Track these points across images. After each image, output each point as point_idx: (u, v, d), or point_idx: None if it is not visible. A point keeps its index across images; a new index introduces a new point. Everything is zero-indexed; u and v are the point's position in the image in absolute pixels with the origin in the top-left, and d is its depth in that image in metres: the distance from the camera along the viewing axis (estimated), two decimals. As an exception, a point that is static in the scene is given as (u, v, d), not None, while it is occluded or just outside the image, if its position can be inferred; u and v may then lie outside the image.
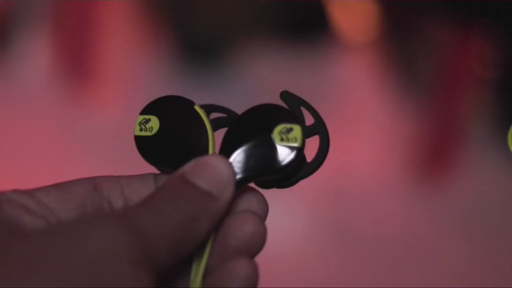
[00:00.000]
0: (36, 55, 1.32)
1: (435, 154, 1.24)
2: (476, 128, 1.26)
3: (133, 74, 1.34)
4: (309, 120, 0.38)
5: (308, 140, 0.37)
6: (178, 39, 1.36)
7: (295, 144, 0.35)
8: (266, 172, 0.35)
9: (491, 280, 1.08)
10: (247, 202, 0.36)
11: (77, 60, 1.30)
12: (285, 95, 0.38)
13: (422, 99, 1.28)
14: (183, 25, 1.37)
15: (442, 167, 1.23)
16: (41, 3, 1.32)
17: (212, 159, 0.34)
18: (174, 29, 1.36)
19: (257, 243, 0.35)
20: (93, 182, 0.36)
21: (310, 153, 0.37)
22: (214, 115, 0.38)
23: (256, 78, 1.34)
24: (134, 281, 0.29)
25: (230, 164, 0.34)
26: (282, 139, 0.35)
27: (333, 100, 1.35)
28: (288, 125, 0.35)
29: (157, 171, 0.38)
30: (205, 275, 0.34)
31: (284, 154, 0.35)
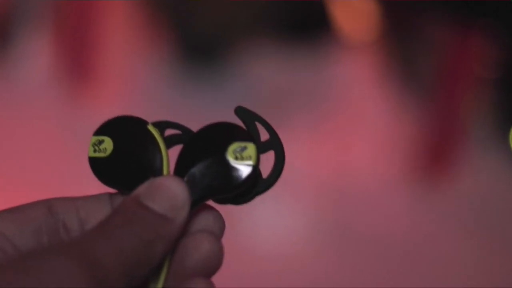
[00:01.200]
0: (36, 55, 1.32)
1: (436, 154, 1.24)
2: (477, 128, 1.26)
3: (133, 74, 1.34)
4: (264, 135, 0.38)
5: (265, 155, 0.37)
6: (178, 39, 1.36)
7: (250, 162, 0.35)
8: (221, 191, 0.35)
9: (491, 279, 1.07)
10: (204, 220, 0.36)
11: (77, 60, 1.30)
12: (239, 110, 0.38)
13: (423, 99, 1.28)
14: (183, 25, 1.37)
15: (443, 167, 1.23)
16: (41, 3, 1.32)
17: (166, 180, 0.34)
18: (174, 29, 1.36)
19: (214, 263, 0.35)
20: (48, 205, 0.35)
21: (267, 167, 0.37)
22: (169, 131, 0.38)
23: (256, 78, 1.34)
24: None
25: (185, 185, 0.34)
26: (236, 158, 0.35)
27: (334, 100, 1.35)
28: (242, 144, 0.35)
29: (112, 190, 0.37)
30: None
31: (239, 173, 0.35)
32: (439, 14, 1.26)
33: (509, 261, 1.11)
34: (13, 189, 1.03)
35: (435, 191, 1.21)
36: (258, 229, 1.12)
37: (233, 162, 0.35)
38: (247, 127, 0.37)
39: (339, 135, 1.29)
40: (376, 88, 1.34)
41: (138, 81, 1.33)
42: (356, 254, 1.11)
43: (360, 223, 1.16)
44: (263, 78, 1.33)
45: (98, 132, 0.38)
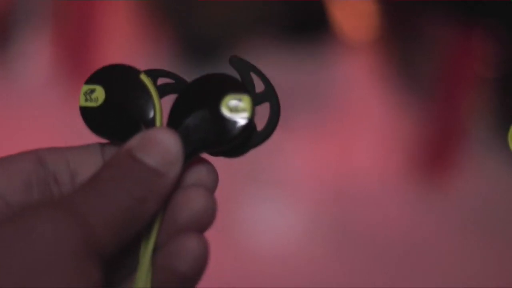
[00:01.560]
0: (36, 55, 1.32)
1: (436, 154, 1.24)
2: (477, 128, 1.26)
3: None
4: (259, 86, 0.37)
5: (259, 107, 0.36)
6: (179, 39, 1.36)
7: (245, 115, 0.34)
8: (214, 144, 0.34)
9: (492, 279, 1.07)
10: (196, 174, 0.35)
11: (77, 60, 1.30)
12: (234, 60, 0.37)
13: (423, 99, 1.28)
14: (183, 25, 1.37)
15: (443, 167, 1.23)
16: (42, 2, 1.32)
17: (159, 133, 0.33)
18: (175, 29, 1.36)
19: (207, 218, 0.34)
20: (37, 156, 0.34)
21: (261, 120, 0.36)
22: (161, 80, 0.37)
23: (257, 77, 1.34)
24: (79, 276, 0.28)
25: (178, 138, 0.33)
26: (231, 110, 0.34)
27: (334, 100, 1.35)
28: (237, 95, 0.35)
29: (103, 140, 0.36)
30: (154, 251, 0.33)
31: (233, 125, 0.34)
32: (439, 14, 1.26)
33: (509, 261, 1.11)
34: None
35: (435, 191, 1.21)
36: (258, 229, 1.12)
37: (228, 114, 0.34)
38: (242, 77, 0.36)
39: (339, 135, 1.29)
40: (376, 88, 1.34)
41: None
42: (356, 254, 1.11)
43: (360, 223, 1.15)
44: (263, 78, 1.33)
45: (90, 80, 0.36)
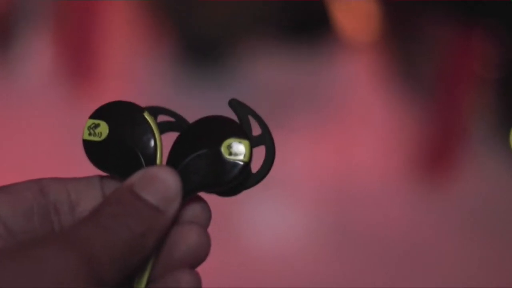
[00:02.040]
0: (37, 55, 1.32)
1: (437, 154, 1.24)
2: (478, 128, 1.26)
3: (134, 74, 1.34)
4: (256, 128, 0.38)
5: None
6: (179, 39, 1.36)
7: (243, 159, 0.36)
8: (213, 185, 0.36)
9: (492, 279, 1.07)
10: (191, 211, 0.36)
11: (77, 60, 1.30)
12: (233, 103, 0.38)
13: (424, 99, 1.28)
14: (184, 25, 1.37)
15: (444, 167, 1.23)
16: (42, 3, 1.32)
17: (160, 171, 0.34)
18: (175, 29, 1.36)
19: (201, 254, 0.35)
20: (40, 185, 0.36)
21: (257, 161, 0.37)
22: (162, 117, 0.39)
23: (257, 78, 1.34)
24: None
25: (178, 177, 0.34)
26: (230, 153, 0.36)
27: (334, 100, 1.35)
28: (237, 139, 0.36)
29: (103, 173, 0.38)
30: (148, 284, 0.35)
31: (231, 169, 0.36)
32: (440, 14, 1.26)
33: (509, 261, 1.11)
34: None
35: (436, 191, 1.21)
36: (258, 229, 1.12)
37: (227, 157, 0.36)
38: (240, 120, 0.37)
39: (339, 135, 1.29)
40: (377, 88, 1.34)
41: (139, 81, 1.33)
42: (356, 254, 1.11)
43: (360, 223, 1.15)
44: (263, 78, 1.33)
45: (95, 115, 0.38)
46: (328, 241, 1.13)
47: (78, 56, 1.30)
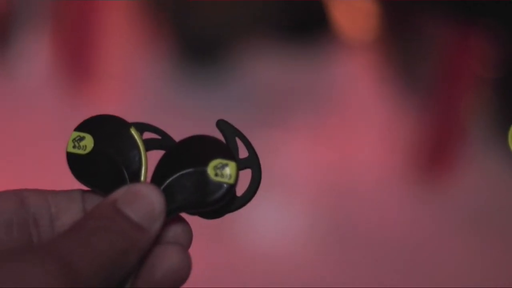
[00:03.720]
0: (36, 55, 1.32)
1: (436, 153, 1.24)
2: (477, 128, 1.26)
3: (132, 73, 1.33)
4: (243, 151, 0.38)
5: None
6: (178, 39, 1.36)
7: (229, 181, 0.35)
8: (196, 206, 0.35)
9: (492, 279, 1.07)
10: (173, 231, 0.36)
11: (77, 60, 1.30)
12: (221, 124, 0.38)
13: (423, 98, 1.28)
14: (183, 25, 1.37)
15: (443, 166, 1.23)
16: (42, 3, 1.32)
17: (144, 188, 0.34)
18: (174, 29, 1.36)
19: (182, 275, 0.35)
20: (21, 197, 0.35)
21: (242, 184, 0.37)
22: (147, 135, 0.38)
23: (256, 77, 1.34)
24: None
25: (162, 196, 0.34)
26: (216, 174, 0.35)
27: (334, 100, 1.35)
28: (224, 161, 0.35)
29: (85, 187, 0.37)
30: None
31: (217, 190, 0.35)
32: (439, 13, 1.26)
33: (509, 261, 1.11)
34: (12, 188, 1.03)
35: (435, 191, 1.21)
36: (256, 228, 1.12)
37: (213, 178, 0.35)
38: (227, 141, 0.37)
39: (338, 134, 1.29)
40: (376, 88, 1.34)
41: (138, 81, 1.32)
42: (355, 254, 1.11)
43: (359, 223, 1.15)
44: (262, 78, 1.33)
45: (80, 128, 0.37)
46: (327, 241, 1.13)
47: (77, 56, 1.30)
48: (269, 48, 1.36)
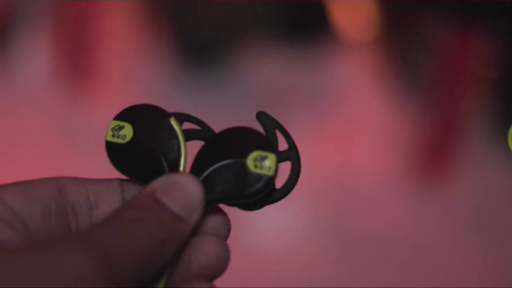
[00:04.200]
0: (36, 55, 1.32)
1: (436, 154, 1.24)
2: (477, 128, 1.26)
3: (133, 73, 1.33)
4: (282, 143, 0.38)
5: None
6: (178, 39, 1.36)
7: (268, 173, 0.35)
8: (235, 197, 0.35)
9: (492, 279, 1.07)
10: (211, 222, 0.36)
11: (77, 60, 1.30)
12: (261, 116, 0.38)
13: (423, 98, 1.28)
14: (183, 25, 1.36)
15: (443, 167, 1.23)
16: (42, 3, 1.32)
17: (183, 178, 0.34)
18: (174, 29, 1.36)
19: (219, 267, 0.35)
20: (59, 184, 0.35)
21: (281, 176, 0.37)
22: (187, 125, 0.38)
23: (256, 77, 1.34)
24: None
25: (201, 186, 0.34)
26: (256, 166, 0.35)
27: (333, 99, 1.35)
28: (264, 153, 0.35)
29: (123, 176, 0.37)
30: None
31: (256, 182, 0.35)
32: (438, 13, 1.26)
33: (509, 261, 1.11)
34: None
35: (435, 191, 1.21)
36: (257, 228, 1.12)
37: (252, 170, 0.35)
38: (266, 133, 0.37)
39: (338, 134, 1.29)
40: (375, 88, 1.34)
41: (138, 81, 1.32)
42: (356, 255, 1.11)
43: (359, 222, 1.15)
44: (262, 78, 1.33)
45: (119, 117, 0.37)
46: (327, 241, 1.13)
47: (77, 56, 1.30)
48: (269, 48, 1.36)
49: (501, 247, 1.13)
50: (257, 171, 0.35)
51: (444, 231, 1.16)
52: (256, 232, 1.12)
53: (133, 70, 1.33)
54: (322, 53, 1.36)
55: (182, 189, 0.33)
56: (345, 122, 1.31)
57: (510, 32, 1.22)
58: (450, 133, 1.25)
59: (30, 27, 1.32)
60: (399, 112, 1.30)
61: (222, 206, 0.36)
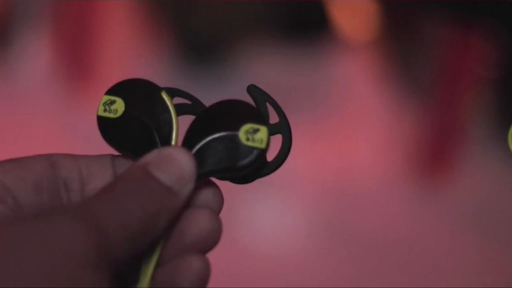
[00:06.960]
0: (36, 54, 1.32)
1: (436, 154, 1.24)
2: (477, 128, 1.26)
3: (133, 73, 1.33)
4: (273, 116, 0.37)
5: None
6: (178, 39, 1.36)
7: (260, 146, 0.35)
8: (227, 170, 0.35)
9: (492, 279, 1.07)
10: (203, 195, 0.35)
11: (77, 59, 1.30)
12: (252, 89, 0.38)
13: (423, 98, 1.28)
14: (183, 25, 1.37)
15: (443, 167, 1.23)
16: (42, 3, 1.32)
17: (175, 152, 0.34)
18: (174, 29, 1.36)
19: (212, 239, 0.35)
20: (51, 161, 0.35)
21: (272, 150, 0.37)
22: (177, 100, 0.38)
23: (256, 77, 1.34)
24: (91, 283, 0.29)
25: (193, 159, 0.34)
26: (247, 139, 0.35)
27: (333, 100, 1.35)
28: (255, 126, 0.35)
29: (115, 152, 0.37)
30: (156, 267, 0.34)
31: (247, 154, 0.35)
32: (438, 13, 1.26)
33: (509, 261, 1.11)
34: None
35: (435, 191, 1.21)
36: (257, 229, 1.12)
37: (244, 143, 0.35)
38: (257, 106, 0.37)
39: (338, 135, 1.29)
40: (375, 88, 1.34)
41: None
42: (356, 255, 1.11)
43: (359, 223, 1.15)
44: (262, 78, 1.33)
45: (111, 91, 0.37)
46: (326, 241, 1.13)
47: (77, 55, 1.30)
48: (269, 48, 1.36)
49: (501, 247, 1.13)
50: (249, 143, 0.35)
51: (444, 231, 1.16)
52: (256, 232, 1.12)
53: (133, 70, 1.33)
54: (322, 53, 1.36)
55: (174, 162, 0.33)
56: (345, 122, 1.31)
57: (510, 32, 1.22)
58: (450, 134, 1.25)
59: (30, 27, 1.32)
60: (399, 112, 1.30)
61: (215, 180, 0.36)
